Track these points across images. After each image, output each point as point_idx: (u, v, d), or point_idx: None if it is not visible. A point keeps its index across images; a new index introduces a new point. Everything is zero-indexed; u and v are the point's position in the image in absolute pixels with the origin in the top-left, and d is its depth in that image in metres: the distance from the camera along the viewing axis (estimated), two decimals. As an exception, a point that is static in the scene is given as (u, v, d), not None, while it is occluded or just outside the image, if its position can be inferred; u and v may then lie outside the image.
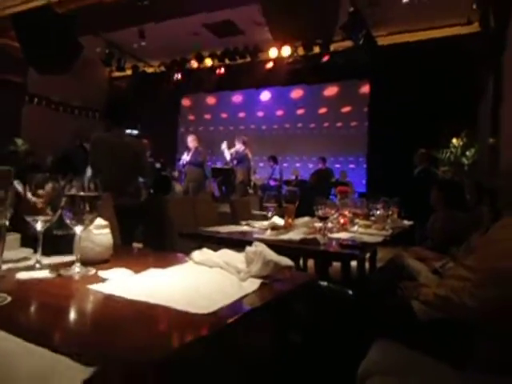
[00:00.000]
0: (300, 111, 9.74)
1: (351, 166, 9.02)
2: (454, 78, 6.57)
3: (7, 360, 0.48)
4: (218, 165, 8.66)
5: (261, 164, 9.32)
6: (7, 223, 0.71)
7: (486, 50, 5.52)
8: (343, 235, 2.09)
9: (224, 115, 10.64)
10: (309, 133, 9.57)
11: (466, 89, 6.49)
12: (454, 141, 5.96)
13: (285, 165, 9.04)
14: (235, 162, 7.54)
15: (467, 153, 5.76)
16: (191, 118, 11.17)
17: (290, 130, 9.81)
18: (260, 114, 10.23)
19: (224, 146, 7.61)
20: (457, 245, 2.13)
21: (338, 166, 8.87)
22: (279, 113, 9.99)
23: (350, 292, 1.58)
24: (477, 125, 6.41)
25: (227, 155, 7.59)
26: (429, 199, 3.02)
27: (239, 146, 7.46)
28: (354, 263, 2.24)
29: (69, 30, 6.07)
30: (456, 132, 6.03)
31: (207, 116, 10.92)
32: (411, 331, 1.46)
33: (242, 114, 10.45)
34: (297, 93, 9.81)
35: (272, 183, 7.97)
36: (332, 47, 7.66)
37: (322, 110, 9.49)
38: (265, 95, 10.21)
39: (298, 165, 9.55)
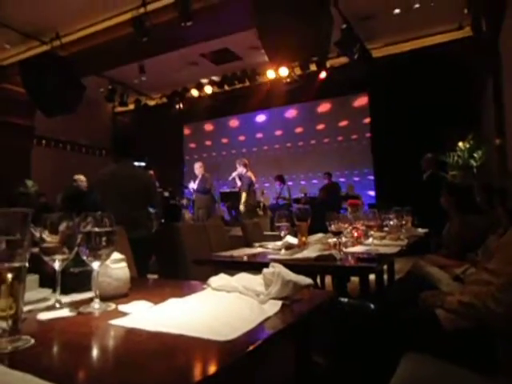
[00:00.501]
0: (298, 129, 9.87)
1: (356, 178, 9.02)
2: (453, 82, 6.62)
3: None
4: (226, 189, 8.71)
5: (266, 184, 9.36)
6: (27, 264, 0.72)
7: (481, 53, 5.56)
8: (358, 249, 2.06)
9: (224, 140, 10.85)
10: (311, 150, 9.65)
11: (465, 92, 6.52)
12: (460, 144, 5.93)
13: (290, 183, 9.08)
14: (239, 184, 7.55)
15: (474, 155, 5.72)
16: (192, 145, 11.40)
17: (292, 149, 9.91)
18: (259, 135, 10.38)
19: (234, 174, 7.64)
20: (474, 250, 2.09)
21: (343, 179, 8.87)
22: (278, 133, 10.13)
23: (372, 306, 1.55)
24: (481, 126, 6.40)
25: (238, 182, 7.60)
26: (440, 204, 2.98)
27: (241, 169, 7.49)
28: (372, 277, 2.21)
29: (72, 72, 6.28)
30: (461, 135, 6.01)
31: (208, 142, 11.14)
32: (438, 341, 1.42)
33: (241, 138, 10.62)
34: (291, 112, 9.99)
35: (281, 202, 7.96)
36: (328, 64, 7.79)
37: (320, 127, 9.60)
38: (260, 117, 10.41)
39: (303, 182, 9.57)
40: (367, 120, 8.84)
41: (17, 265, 0.69)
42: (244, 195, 7.29)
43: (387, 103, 7.66)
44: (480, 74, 6.04)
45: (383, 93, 7.77)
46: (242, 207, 7.29)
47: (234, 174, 7.57)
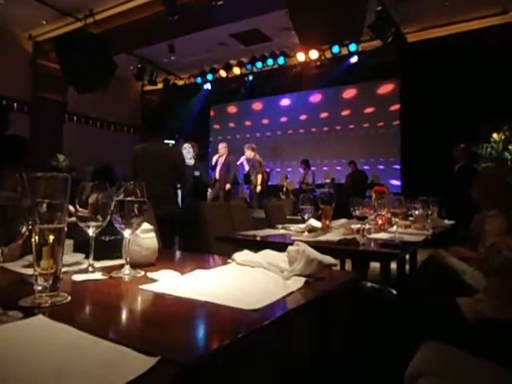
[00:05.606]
0: (323, 115, 9.70)
1: (382, 166, 8.85)
2: (490, 70, 6.31)
3: (75, 351, 0.51)
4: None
5: (289, 169, 9.32)
6: (66, 228, 0.76)
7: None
8: (382, 235, 2.04)
9: (248, 123, 10.82)
10: (336, 135, 9.50)
11: (503, 81, 6.22)
12: (495, 135, 5.68)
13: (314, 168, 9.03)
14: (247, 168, 7.72)
15: (509, 147, 5.47)
16: (216, 127, 11.44)
17: (317, 134, 9.77)
18: (283, 119, 10.29)
19: (242, 159, 7.76)
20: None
21: (368, 167, 8.72)
22: (303, 117, 10.00)
23: (394, 292, 1.54)
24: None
25: (246, 166, 7.73)
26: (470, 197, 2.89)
27: (249, 153, 7.64)
28: (393, 265, 2.18)
29: (104, 49, 6.37)
30: (496, 126, 5.76)
31: (231, 124, 11.14)
32: (459, 331, 1.41)
33: (265, 121, 10.55)
34: (315, 97, 9.81)
35: (304, 187, 7.95)
36: (360, 47, 7.58)
37: (345, 112, 9.42)
38: (284, 101, 10.29)
39: (325, 168, 9.47)
40: (395, 107, 8.62)
41: (57, 226, 0.74)
42: (260, 176, 7.44)
43: (419, 90, 7.41)
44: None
45: (415, 79, 7.51)
46: (258, 188, 7.44)
47: (242, 159, 7.68)
